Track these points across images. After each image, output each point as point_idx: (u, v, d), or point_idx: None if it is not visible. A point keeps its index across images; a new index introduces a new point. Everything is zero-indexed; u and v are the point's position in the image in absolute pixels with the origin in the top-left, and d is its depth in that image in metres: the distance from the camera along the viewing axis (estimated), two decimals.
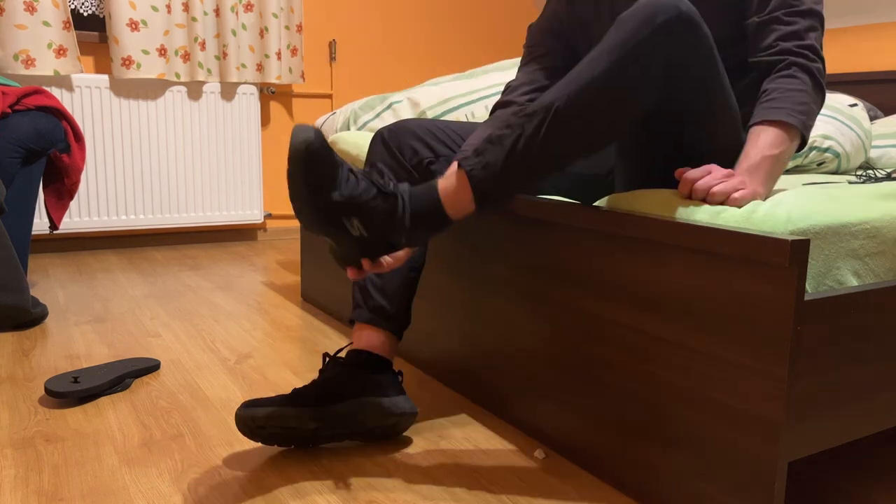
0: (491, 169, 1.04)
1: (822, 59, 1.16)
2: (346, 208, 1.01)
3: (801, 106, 1.10)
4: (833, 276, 1.00)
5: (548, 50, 1.41)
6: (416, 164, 1.34)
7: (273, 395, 1.37)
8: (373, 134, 2.02)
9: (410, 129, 1.37)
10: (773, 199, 0.98)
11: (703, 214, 1.01)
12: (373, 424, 1.23)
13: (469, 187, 1.05)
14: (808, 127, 1.10)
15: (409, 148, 1.35)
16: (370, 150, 1.40)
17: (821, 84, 1.15)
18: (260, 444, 1.27)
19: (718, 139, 1.13)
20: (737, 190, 1.01)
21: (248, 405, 1.18)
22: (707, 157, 1.13)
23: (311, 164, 0.98)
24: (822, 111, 2.03)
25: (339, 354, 1.30)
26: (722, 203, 1.01)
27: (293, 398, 1.20)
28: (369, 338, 1.30)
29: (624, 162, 1.20)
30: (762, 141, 1.07)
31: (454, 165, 1.08)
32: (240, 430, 1.18)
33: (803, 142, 1.12)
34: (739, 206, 0.99)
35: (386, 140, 1.37)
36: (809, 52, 1.15)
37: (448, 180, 1.07)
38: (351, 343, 1.33)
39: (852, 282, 1.02)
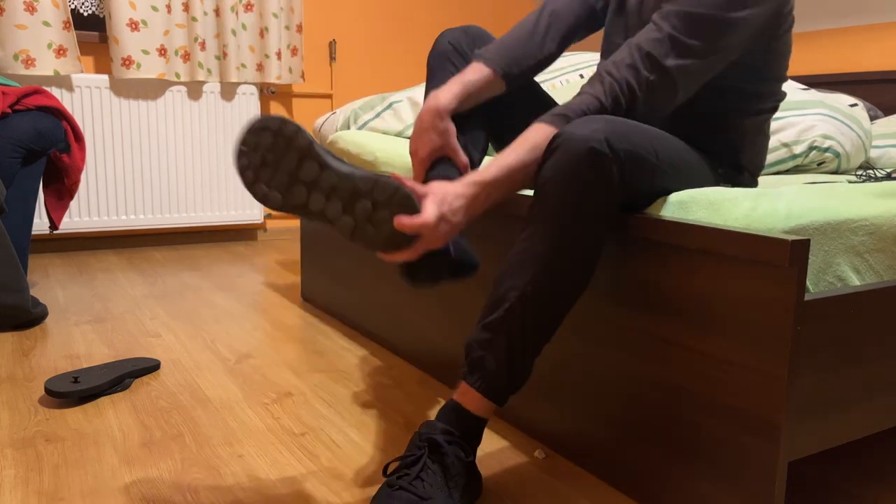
0: (498, 380, 1.03)
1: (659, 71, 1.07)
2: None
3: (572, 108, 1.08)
4: (833, 272, 1.00)
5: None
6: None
7: (273, 394, 1.36)
8: (373, 133, 2.02)
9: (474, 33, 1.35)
10: (773, 195, 0.98)
11: (702, 212, 1.01)
12: None
13: (485, 400, 1.04)
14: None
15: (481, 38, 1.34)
16: (440, 58, 1.35)
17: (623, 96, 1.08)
18: (259, 445, 1.27)
19: (676, 187, 1.12)
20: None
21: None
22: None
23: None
24: (822, 111, 2.03)
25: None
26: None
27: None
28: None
29: None
30: (495, 163, 1.06)
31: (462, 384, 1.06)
32: None
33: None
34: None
35: (457, 45, 1.34)
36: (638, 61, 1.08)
37: (464, 395, 1.06)
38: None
39: (852, 278, 1.02)
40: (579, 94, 1.11)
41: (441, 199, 1.02)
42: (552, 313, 1.02)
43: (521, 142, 1.08)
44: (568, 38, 1.33)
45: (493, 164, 1.06)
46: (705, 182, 1.18)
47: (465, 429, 1.04)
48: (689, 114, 1.23)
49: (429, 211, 1.00)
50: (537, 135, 1.07)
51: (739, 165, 1.26)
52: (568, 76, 2.28)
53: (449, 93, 1.21)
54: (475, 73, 1.24)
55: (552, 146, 1.01)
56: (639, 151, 1.02)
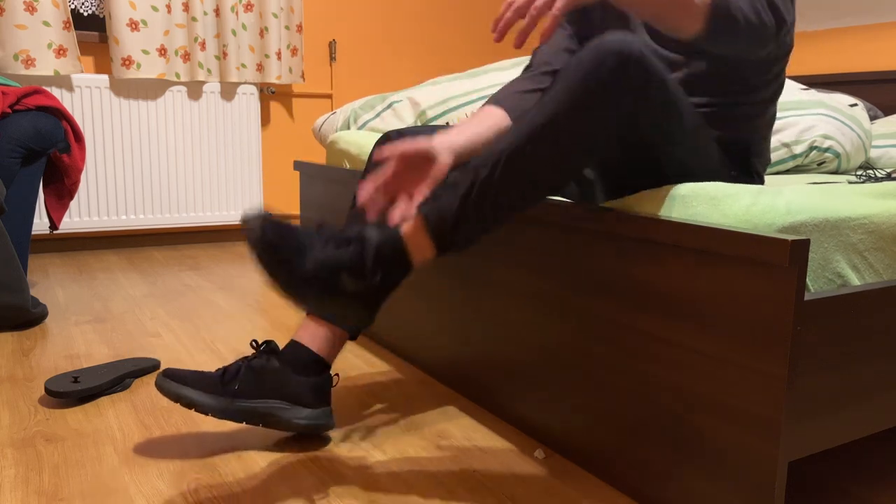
0: (446, 214, 1.03)
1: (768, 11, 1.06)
2: (326, 270, 1.01)
3: None
4: (832, 269, 1.00)
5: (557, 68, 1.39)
6: None
7: None
8: (373, 133, 2.02)
9: (420, 134, 1.36)
10: (773, 191, 0.98)
11: (702, 207, 1.01)
12: (277, 428, 1.23)
13: (426, 233, 1.04)
14: None
15: None
16: (373, 151, 1.39)
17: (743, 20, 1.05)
18: (259, 445, 1.27)
19: (683, 159, 1.11)
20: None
21: (167, 374, 1.21)
22: (679, 174, 1.12)
23: (270, 252, 0.99)
24: (822, 111, 2.03)
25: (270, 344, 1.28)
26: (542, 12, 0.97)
27: (209, 384, 1.20)
28: (316, 333, 1.26)
29: (599, 172, 1.19)
30: None
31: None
32: (158, 390, 1.23)
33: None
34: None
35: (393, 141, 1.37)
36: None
37: (409, 225, 1.06)
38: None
39: (851, 275, 1.02)
40: None
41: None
42: (521, 182, 1.01)
43: None
44: None
45: None
46: (715, 176, 1.17)
47: (393, 256, 1.04)
48: (710, 109, 1.23)
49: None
50: None
51: (750, 170, 1.27)
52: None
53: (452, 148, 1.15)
54: (488, 118, 1.21)
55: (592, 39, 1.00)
56: (667, 91, 1.02)
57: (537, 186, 1.02)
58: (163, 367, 1.65)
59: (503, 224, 1.05)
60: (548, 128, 0.99)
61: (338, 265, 1.01)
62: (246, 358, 1.25)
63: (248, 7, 3.10)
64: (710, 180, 1.15)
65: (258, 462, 1.21)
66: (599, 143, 1.01)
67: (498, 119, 1.22)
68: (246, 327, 1.97)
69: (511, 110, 1.24)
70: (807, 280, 0.97)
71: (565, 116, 0.99)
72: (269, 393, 1.22)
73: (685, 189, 1.05)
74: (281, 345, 1.84)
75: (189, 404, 1.19)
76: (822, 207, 0.99)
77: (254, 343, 1.26)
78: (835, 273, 1.00)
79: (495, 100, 1.26)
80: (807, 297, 0.92)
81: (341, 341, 1.28)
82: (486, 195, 1.02)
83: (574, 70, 1.00)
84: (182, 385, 1.20)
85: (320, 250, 1.02)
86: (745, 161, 1.26)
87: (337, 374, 1.29)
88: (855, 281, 1.03)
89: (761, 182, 1.30)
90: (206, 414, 1.19)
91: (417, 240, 1.05)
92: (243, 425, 1.35)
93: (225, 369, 1.23)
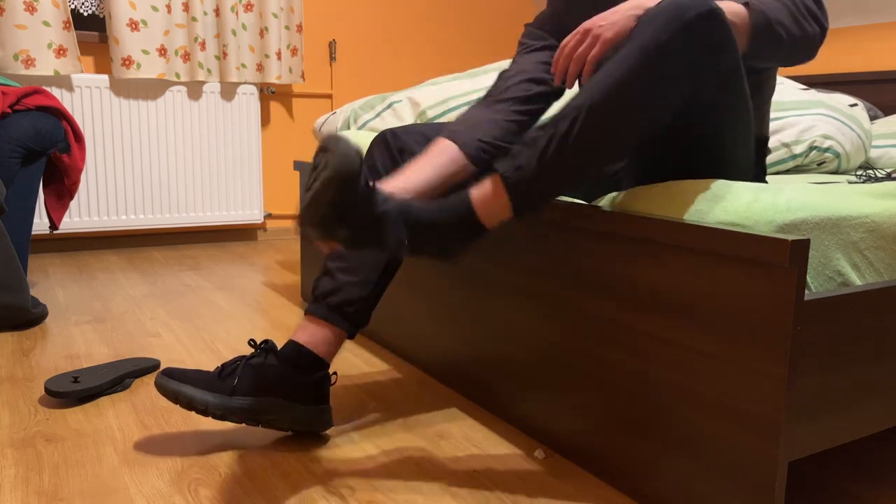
0: (525, 172, 1.02)
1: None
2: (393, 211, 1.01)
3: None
4: (832, 267, 1.00)
5: (546, 44, 1.39)
6: None
7: None
8: (373, 133, 2.02)
9: (414, 133, 1.36)
10: (774, 189, 0.98)
11: (703, 204, 1.01)
12: (274, 426, 1.24)
13: (505, 192, 1.03)
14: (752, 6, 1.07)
15: (411, 153, 1.34)
16: (369, 151, 1.39)
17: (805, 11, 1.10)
18: (259, 444, 1.27)
19: (732, 138, 1.12)
20: (591, 47, 1.05)
21: (166, 373, 1.21)
22: (719, 158, 1.12)
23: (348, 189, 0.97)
24: (822, 111, 2.03)
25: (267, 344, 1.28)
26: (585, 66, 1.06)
27: (206, 381, 1.21)
28: (315, 333, 1.27)
29: (637, 156, 1.19)
30: None
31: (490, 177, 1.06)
32: (157, 390, 1.23)
33: (758, 23, 1.07)
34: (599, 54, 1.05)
35: (388, 141, 1.36)
36: None
37: (482, 187, 1.04)
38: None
39: (851, 274, 1.02)
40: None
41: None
42: (605, 136, 1.00)
43: None
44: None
45: None
46: (745, 175, 1.17)
47: (458, 222, 1.04)
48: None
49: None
50: None
51: (762, 165, 1.28)
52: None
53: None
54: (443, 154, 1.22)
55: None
56: (738, 65, 1.05)
57: (615, 140, 1.01)
58: (163, 367, 1.65)
59: (577, 184, 1.04)
60: (630, 78, 0.99)
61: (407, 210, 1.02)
62: (244, 356, 1.25)
63: (248, 7, 3.10)
64: (740, 177, 1.15)
65: (258, 462, 1.21)
66: (674, 100, 1.01)
67: (453, 155, 1.22)
68: (246, 327, 1.97)
69: (465, 145, 1.23)
70: (808, 279, 0.97)
71: (649, 64, 0.98)
72: (266, 390, 1.22)
73: (686, 186, 1.05)
74: (280, 345, 1.84)
75: (187, 402, 1.19)
76: (823, 205, 0.99)
77: (252, 342, 1.26)
78: (835, 271, 1.00)
79: (449, 132, 1.25)
80: (807, 296, 0.92)
81: (340, 340, 1.28)
82: (565, 150, 1.01)
83: (657, 16, 1.00)
84: (180, 383, 1.20)
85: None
86: (761, 158, 1.28)
87: (335, 373, 1.29)
88: (855, 279, 1.03)
89: (765, 176, 1.31)
90: (205, 412, 1.19)
91: (494, 201, 1.03)
92: (242, 425, 1.35)
93: (222, 366, 1.23)
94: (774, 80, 1.27)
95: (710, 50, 1.00)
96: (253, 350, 1.27)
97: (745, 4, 1.06)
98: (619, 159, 1.03)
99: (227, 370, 1.23)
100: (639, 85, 0.98)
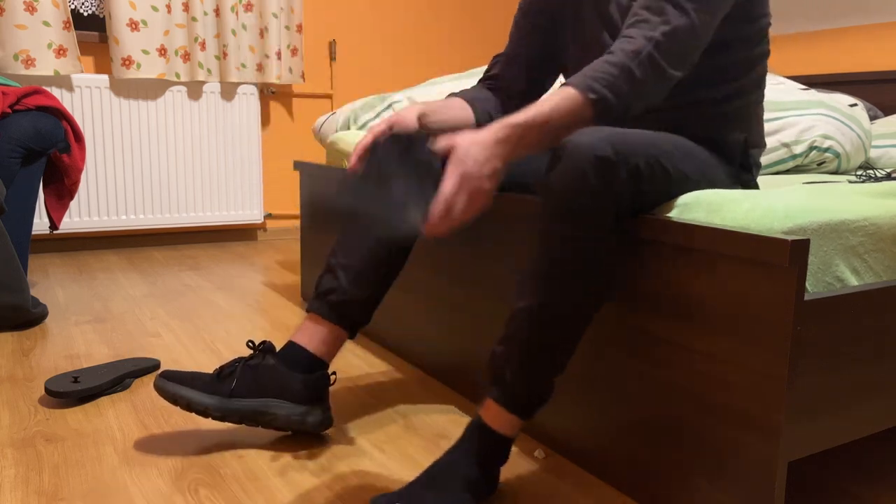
0: (517, 389, 1.03)
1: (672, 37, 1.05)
2: None
3: (597, 73, 1.03)
4: (832, 273, 1.00)
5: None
6: None
7: None
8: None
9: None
10: (772, 196, 0.98)
11: (700, 213, 1.01)
12: (274, 427, 1.24)
13: (507, 413, 1.05)
14: (593, 89, 1.02)
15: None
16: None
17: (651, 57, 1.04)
18: (259, 444, 1.27)
19: (670, 162, 1.09)
20: (460, 201, 0.97)
21: (165, 376, 1.22)
22: (665, 178, 1.09)
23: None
24: (822, 111, 2.03)
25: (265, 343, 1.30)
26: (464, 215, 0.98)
27: (205, 383, 1.21)
28: (314, 333, 1.27)
29: None
30: (527, 111, 1.01)
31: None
32: (156, 392, 1.23)
33: (604, 106, 1.03)
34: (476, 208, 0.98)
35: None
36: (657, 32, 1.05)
37: (487, 411, 1.06)
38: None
39: (851, 279, 1.02)
40: (604, 59, 1.05)
41: (461, 157, 0.97)
42: (564, 327, 1.01)
43: (548, 98, 1.03)
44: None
45: (524, 111, 1.02)
46: (716, 184, 1.16)
47: (487, 446, 1.05)
48: (693, 104, 1.22)
49: (446, 185, 0.96)
50: (566, 94, 1.03)
51: (749, 163, 1.26)
52: None
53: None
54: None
55: (557, 154, 1.00)
56: (647, 160, 1.01)
57: (577, 317, 1.01)
58: (163, 367, 1.65)
59: (564, 364, 1.05)
60: (557, 265, 0.99)
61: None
62: (242, 358, 1.25)
63: (248, 7, 3.10)
64: (694, 188, 1.14)
65: (258, 462, 1.21)
66: (613, 239, 1.00)
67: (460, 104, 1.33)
68: (246, 327, 1.97)
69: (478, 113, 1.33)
70: (808, 285, 0.97)
71: (570, 244, 0.98)
72: (265, 391, 1.22)
73: (685, 197, 1.05)
74: (280, 345, 1.83)
75: (187, 404, 1.19)
76: (822, 210, 0.99)
77: (250, 343, 1.26)
78: (835, 277, 1.00)
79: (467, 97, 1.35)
80: (807, 297, 0.92)
81: (340, 340, 1.28)
82: (538, 357, 1.02)
83: (556, 198, 0.99)
84: (179, 385, 1.20)
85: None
86: (745, 155, 1.26)
87: (334, 373, 1.29)
88: (854, 284, 1.03)
89: (757, 173, 1.30)
90: (204, 414, 1.19)
91: (502, 421, 1.05)
92: (242, 425, 1.35)
93: (221, 368, 1.23)
94: (763, 80, 1.25)
95: (620, 193, 0.98)
96: (252, 351, 1.27)
97: (587, 91, 1.02)
98: (589, 320, 1.03)
99: (226, 372, 1.23)
100: (563, 268, 0.98)
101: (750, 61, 1.21)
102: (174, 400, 1.20)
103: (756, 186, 1.29)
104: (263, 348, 1.26)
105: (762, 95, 1.27)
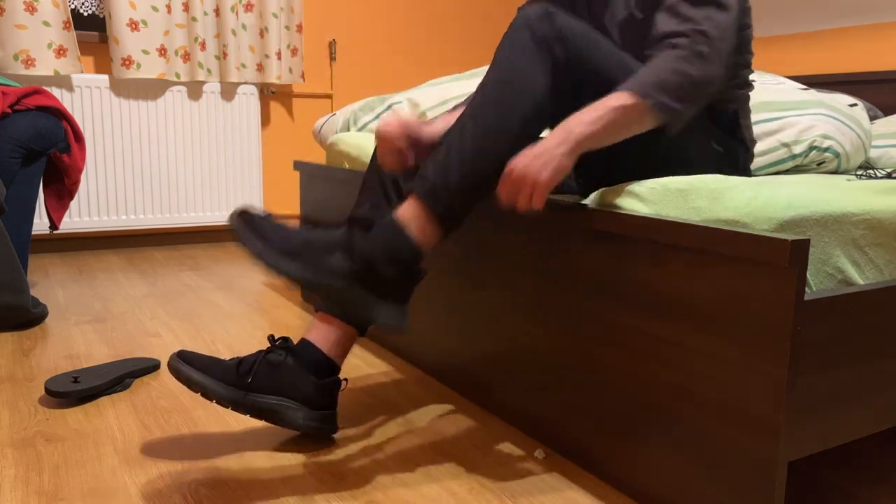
0: (436, 184, 1.09)
1: (711, 37, 1.10)
2: (313, 247, 1.07)
3: (651, 77, 1.07)
4: (832, 264, 1.00)
5: None
6: None
7: None
8: (373, 135, 2.02)
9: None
10: (775, 184, 0.98)
11: (702, 201, 1.01)
12: (282, 425, 1.24)
13: (424, 206, 1.09)
14: (648, 94, 1.06)
15: None
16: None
17: (699, 53, 1.09)
18: (259, 445, 1.27)
19: (686, 137, 1.15)
20: (539, 173, 1.04)
21: (181, 357, 1.21)
22: (672, 158, 1.15)
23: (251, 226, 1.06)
24: (822, 111, 2.03)
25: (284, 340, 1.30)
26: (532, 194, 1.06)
27: (223, 372, 1.21)
28: (328, 333, 1.27)
29: (594, 160, 1.20)
30: (585, 112, 1.07)
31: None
32: (170, 372, 1.23)
33: (667, 113, 1.08)
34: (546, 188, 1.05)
35: None
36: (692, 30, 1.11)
37: (403, 209, 1.11)
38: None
39: (851, 271, 1.02)
40: (652, 63, 1.10)
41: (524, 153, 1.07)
42: (486, 133, 1.10)
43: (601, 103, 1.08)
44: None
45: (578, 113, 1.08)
46: (693, 132, 1.18)
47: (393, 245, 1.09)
48: None
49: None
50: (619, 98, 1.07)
51: (740, 137, 1.28)
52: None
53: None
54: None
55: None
56: (596, 47, 1.13)
57: (500, 133, 1.10)
58: (162, 366, 1.65)
59: (492, 185, 1.11)
60: (494, 86, 1.11)
61: (329, 243, 1.08)
62: (262, 351, 1.25)
63: (248, 7, 3.10)
64: (697, 160, 1.15)
65: (258, 462, 1.21)
66: (541, 77, 1.11)
67: None
68: (246, 327, 1.97)
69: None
70: (808, 276, 0.97)
71: (508, 71, 1.11)
72: (280, 390, 1.22)
73: (684, 183, 1.05)
74: None
75: (202, 391, 1.19)
76: (824, 201, 0.99)
77: (271, 338, 1.26)
78: (835, 268, 1.00)
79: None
80: (807, 296, 0.92)
81: (351, 340, 1.29)
82: (461, 153, 1.09)
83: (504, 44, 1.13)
84: (195, 370, 1.19)
85: (307, 231, 1.09)
86: (734, 126, 1.29)
87: (346, 379, 1.29)
88: (855, 276, 1.03)
89: (750, 148, 1.31)
90: (219, 404, 1.19)
91: (419, 220, 1.10)
92: (242, 424, 1.35)
93: (241, 360, 1.23)
94: (748, 87, 1.29)
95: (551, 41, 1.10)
96: (270, 345, 1.26)
97: (644, 96, 1.06)
98: (518, 143, 1.11)
99: (246, 365, 1.22)
100: (504, 88, 1.10)
101: (734, 68, 1.26)
102: (188, 384, 1.19)
103: (748, 168, 1.30)
104: (285, 346, 1.26)
105: (748, 109, 1.31)
